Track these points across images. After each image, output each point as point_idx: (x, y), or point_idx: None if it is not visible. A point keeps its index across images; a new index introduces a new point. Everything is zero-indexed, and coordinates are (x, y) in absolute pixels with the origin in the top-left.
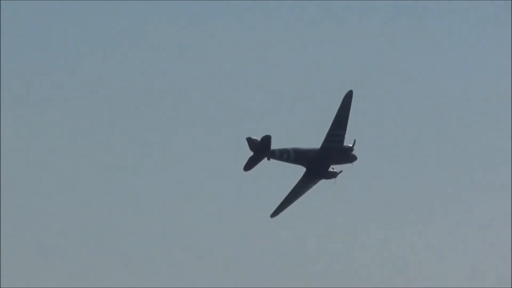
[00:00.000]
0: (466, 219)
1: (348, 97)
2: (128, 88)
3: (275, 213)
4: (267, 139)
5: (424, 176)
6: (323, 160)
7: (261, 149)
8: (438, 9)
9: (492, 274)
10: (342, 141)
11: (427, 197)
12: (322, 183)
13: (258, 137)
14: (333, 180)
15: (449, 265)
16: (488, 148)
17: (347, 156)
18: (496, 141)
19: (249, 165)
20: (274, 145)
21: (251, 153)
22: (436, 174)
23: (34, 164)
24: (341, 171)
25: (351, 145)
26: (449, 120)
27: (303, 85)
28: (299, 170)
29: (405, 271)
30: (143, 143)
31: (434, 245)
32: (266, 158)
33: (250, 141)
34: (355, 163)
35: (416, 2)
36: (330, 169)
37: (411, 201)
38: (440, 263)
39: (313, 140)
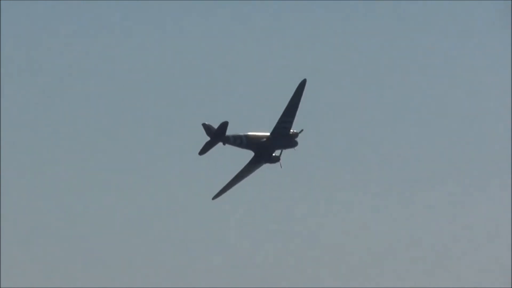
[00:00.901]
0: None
1: (302, 86)
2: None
3: (217, 195)
4: (224, 125)
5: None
6: (272, 146)
7: (217, 134)
8: (437, 8)
9: (492, 274)
10: (290, 128)
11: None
12: (265, 167)
13: (212, 123)
14: (278, 163)
15: (447, 265)
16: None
17: (292, 141)
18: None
19: (204, 150)
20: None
21: (206, 138)
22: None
23: (33, 165)
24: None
25: (296, 131)
26: (447, 119)
27: (260, 73)
28: (246, 154)
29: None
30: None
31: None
32: (221, 143)
33: (206, 126)
34: (296, 148)
35: (416, 2)
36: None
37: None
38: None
39: (264, 124)
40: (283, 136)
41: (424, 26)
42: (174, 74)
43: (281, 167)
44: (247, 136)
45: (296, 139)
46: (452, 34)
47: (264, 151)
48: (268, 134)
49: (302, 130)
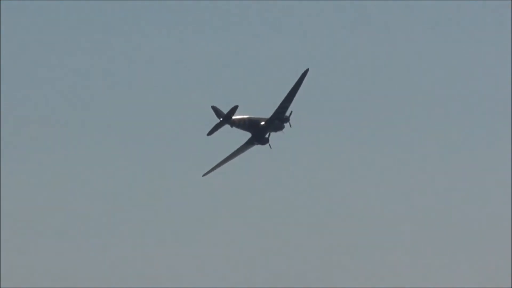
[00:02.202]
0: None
1: (304, 74)
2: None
3: (207, 173)
4: (234, 109)
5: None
6: (267, 128)
7: (227, 117)
8: (438, 8)
9: (492, 274)
10: (285, 112)
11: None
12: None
13: (219, 106)
14: (267, 144)
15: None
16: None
17: (282, 125)
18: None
19: (212, 131)
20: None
21: (214, 120)
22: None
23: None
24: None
25: (288, 115)
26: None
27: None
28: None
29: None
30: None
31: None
32: (228, 125)
33: (215, 109)
34: (284, 130)
35: (416, 2)
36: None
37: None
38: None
39: (264, 109)
40: (279, 120)
41: (424, 26)
42: (183, 59)
43: (270, 147)
44: (250, 119)
45: (284, 124)
46: (452, 34)
47: (261, 133)
48: (267, 118)
49: (291, 112)
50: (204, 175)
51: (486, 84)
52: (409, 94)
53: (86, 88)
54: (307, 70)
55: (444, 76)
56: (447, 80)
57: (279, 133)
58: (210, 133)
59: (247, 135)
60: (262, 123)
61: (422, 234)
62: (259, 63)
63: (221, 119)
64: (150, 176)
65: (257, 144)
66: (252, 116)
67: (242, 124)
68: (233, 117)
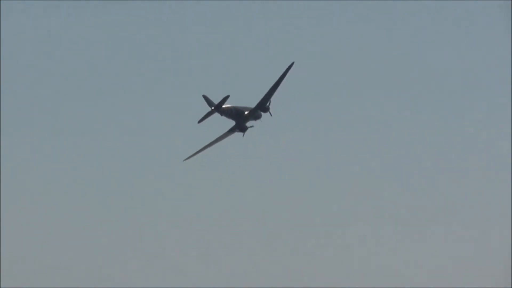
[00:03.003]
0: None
1: (289, 68)
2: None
3: (188, 158)
4: (226, 98)
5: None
6: (250, 117)
7: (219, 105)
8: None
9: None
10: (267, 102)
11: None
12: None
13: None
14: (246, 131)
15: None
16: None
17: (260, 114)
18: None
19: (203, 118)
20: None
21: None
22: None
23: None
24: (252, 126)
25: (268, 105)
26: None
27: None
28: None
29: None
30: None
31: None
32: (218, 114)
33: (206, 98)
34: (262, 119)
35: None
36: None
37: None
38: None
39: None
40: (261, 109)
41: (424, 26)
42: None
43: (242, 136)
44: (236, 108)
45: (263, 113)
46: (452, 34)
47: (243, 121)
48: (250, 107)
49: (269, 102)
50: (185, 159)
51: (486, 84)
52: (395, 87)
53: (75, 75)
54: (292, 63)
55: (443, 76)
56: (446, 80)
57: (258, 121)
58: (200, 120)
59: (231, 122)
60: (246, 112)
61: (420, 233)
62: (247, 54)
63: (212, 107)
64: (138, 163)
65: (238, 131)
66: (237, 106)
67: (230, 113)
68: (223, 106)
